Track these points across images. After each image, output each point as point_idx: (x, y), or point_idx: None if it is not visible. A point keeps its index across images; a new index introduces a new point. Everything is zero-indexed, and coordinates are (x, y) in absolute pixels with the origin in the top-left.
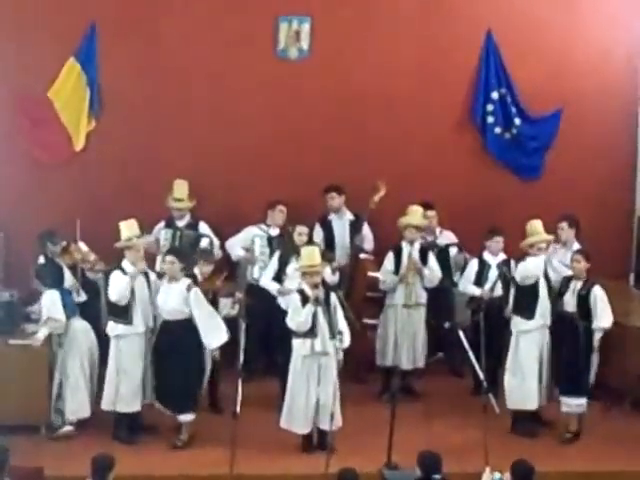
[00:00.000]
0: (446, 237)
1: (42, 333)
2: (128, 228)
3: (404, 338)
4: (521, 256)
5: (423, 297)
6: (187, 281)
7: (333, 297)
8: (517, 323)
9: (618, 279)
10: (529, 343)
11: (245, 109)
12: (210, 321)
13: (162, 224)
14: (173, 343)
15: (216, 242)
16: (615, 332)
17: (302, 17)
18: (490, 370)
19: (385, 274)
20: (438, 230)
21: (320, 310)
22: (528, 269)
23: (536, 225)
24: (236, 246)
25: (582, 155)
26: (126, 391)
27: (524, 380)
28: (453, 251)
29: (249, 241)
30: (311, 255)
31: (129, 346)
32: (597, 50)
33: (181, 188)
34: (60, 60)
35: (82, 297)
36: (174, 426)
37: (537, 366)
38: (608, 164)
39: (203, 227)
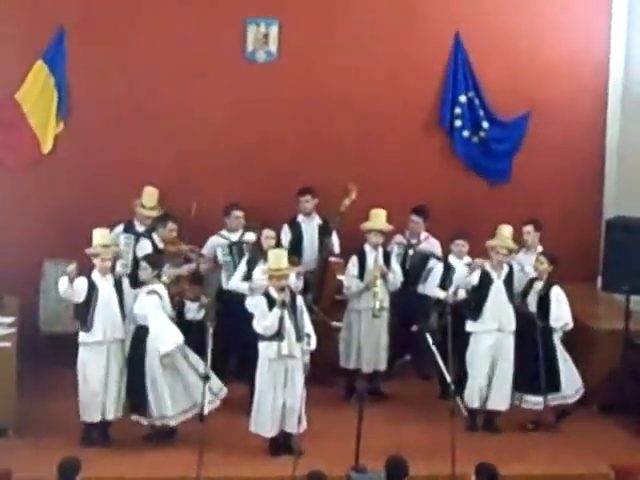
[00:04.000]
0: (430, 244)
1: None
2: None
3: (367, 342)
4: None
5: (386, 301)
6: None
7: (299, 300)
8: (468, 324)
9: (586, 282)
10: (478, 345)
11: (214, 112)
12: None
13: (121, 228)
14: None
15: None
16: (582, 335)
17: (270, 20)
18: (457, 373)
19: (349, 279)
20: (423, 236)
21: (286, 313)
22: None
23: (503, 230)
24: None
25: (550, 159)
26: (85, 401)
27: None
28: (433, 262)
29: (213, 251)
30: (278, 258)
31: (89, 355)
32: (565, 54)
33: (152, 197)
34: (28, 62)
35: None
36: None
37: (486, 368)
38: (576, 167)
39: None
